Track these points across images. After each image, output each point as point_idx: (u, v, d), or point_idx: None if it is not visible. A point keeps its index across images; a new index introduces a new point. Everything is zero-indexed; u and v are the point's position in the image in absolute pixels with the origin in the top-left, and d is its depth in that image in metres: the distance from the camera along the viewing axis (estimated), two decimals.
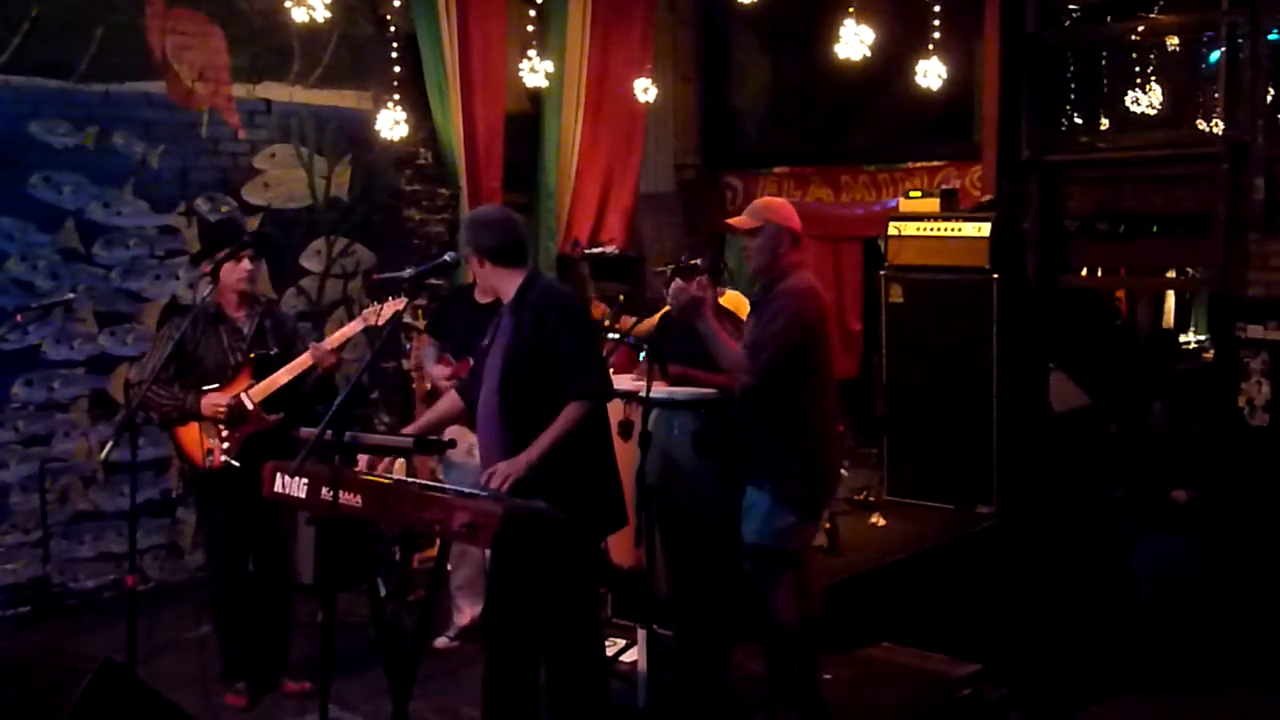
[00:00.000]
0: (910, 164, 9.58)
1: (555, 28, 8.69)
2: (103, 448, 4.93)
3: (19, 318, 6.38)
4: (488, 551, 4.85)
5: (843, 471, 8.12)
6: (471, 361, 4.81)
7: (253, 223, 7.47)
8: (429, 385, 6.32)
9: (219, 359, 5.31)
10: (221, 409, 5.18)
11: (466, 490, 4.17)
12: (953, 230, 7.92)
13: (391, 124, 7.59)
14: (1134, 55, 8.59)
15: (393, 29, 7.90)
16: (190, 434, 5.28)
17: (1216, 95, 7.89)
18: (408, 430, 4.70)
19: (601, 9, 8.88)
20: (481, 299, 5.72)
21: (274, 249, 7.38)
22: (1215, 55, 7.95)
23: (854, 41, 6.29)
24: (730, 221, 5.04)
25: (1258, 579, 6.98)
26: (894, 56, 7.86)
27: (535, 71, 7.71)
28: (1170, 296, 11.34)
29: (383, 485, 4.16)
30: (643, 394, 4.94)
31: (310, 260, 7.82)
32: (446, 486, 4.29)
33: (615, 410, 5.14)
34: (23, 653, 4.08)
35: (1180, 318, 11.62)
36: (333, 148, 7.88)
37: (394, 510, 4.10)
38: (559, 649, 4.44)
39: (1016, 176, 8.55)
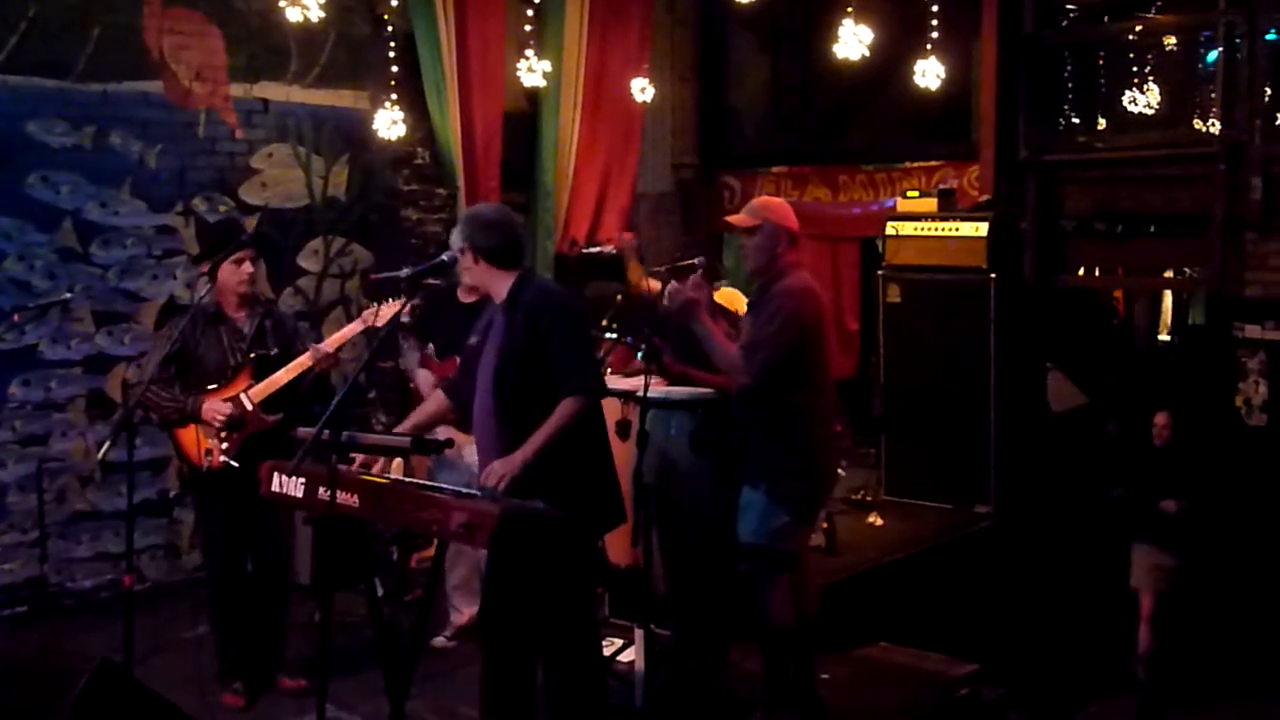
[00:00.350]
0: (908, 164, 9.58)
1: (553, 27, 8.69)
2: (100, 448, 4.93)
3: (16, 317, 6.40)
4: (483, 551, 4.86)
5: (840, 471, 8.14)
6: (458, 360, 4.81)
7: (251, 222, 7.46)
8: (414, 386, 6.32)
9: (219, 359, 5.30)
10: (221, 416, 5.17)
11: (464, 490, 4.18)
12: (950, 230, 7.93)
13: (389, 123, 7.59)
14: (1131, 55, 8.59)
15: (390, 28, 7.89)
16: (189, 434, 5.28)
17: (1214, 95, 7.89)
18: (398, 431, 4.70)
19: (599, 9, 8.87)
20: (465, 298, 5.72)
21: (273, 249, 7.38)
22: (1213, 55, 7.95)
23: (852, 41, 6.29)
24: (729, 219, 5.05)
25: (1247, 594, 6.98)
26: (892, 56, 7.86)
27: (533, 71, 7.71)
28: (1168, 296, 11.34)
29: (380, 485, 4.16)
30: (640, 393, 4.94)
31: (308, 260, 7.82)
32: (444, 486, 4.29)
33: (613, 410, 5.15)
34: (20, 653, 4.08)
35: (1177, 318, 11.61)
36: (330, 147, 7.88)
37: (391, 510, 4.10)
38: (556, 648, 4.44)
39: (1014, 176, 8.56)
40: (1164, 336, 11.31)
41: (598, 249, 8.86)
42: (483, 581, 4.89)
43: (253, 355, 5.32)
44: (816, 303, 4.85)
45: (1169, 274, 9.88)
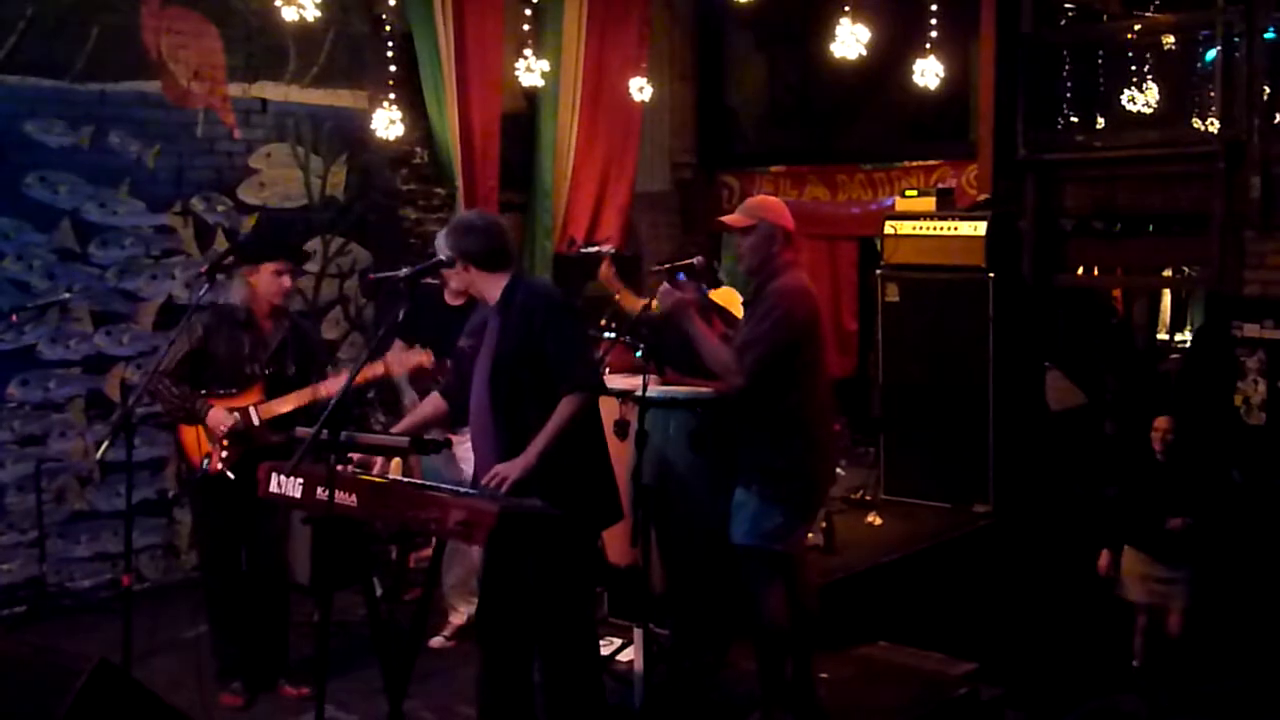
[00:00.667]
0: (906, 163, 9.58)
1: (551, 27, 8.69)
2: (99, 447, 4.92)
3: (14, 317, 6.40)
4: (479, 551, 4.86)
5: (839, 471, 8.18)
6: (449, 363, 4.81)
7: (249, 222, 7.46)
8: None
9: (236, 364, 5.27)
10: (225, 426, 5.15)
11: (462, 489, 4.18)
12: (949, 229, 7.94)
13: (387, 123, 7.58)
14: (1130, 54, 8.60)
15: (388, 28, 7.88)
16: (192, 434, 5.27)
17: (1212, 94, 7.90)
18: (394, 431, 4.70)
19: (597, 8, 8.87)
20: (453, 301, 5.72)
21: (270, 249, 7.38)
22: (1211, 54, 7.96)
23: (850, 41, 6.29)
24: (723, 219, 5.03)
25: (1247, 593, 6.96)
26: (890, 56, 7.87)
27: (531, 71, 7.71)
28: (1167, 295, 11.35)
29: (378, 485, 4.17)
30: (639, 393, 4.94)
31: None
32: (442, 485, 4.29)
33: (611, 409, 5.15)
34: (18, 652, 4.07)
35: (1176, 317, 11.63)
36: (329, 147, 7.88)
37: (389, 510, 4.11)
38: (554, 647, 4.44)
39: (1013, 175, 8.57)
40: (1162, 335, 11.33)
41: (596, 248, 8.84)
42: (479, 581, 4.90)
43: (269, 371, 5.29)
44: (811, 302, 4.83)
45: (1168, 273, 9.90)
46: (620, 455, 4.84)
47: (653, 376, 5.21)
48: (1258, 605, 6.94)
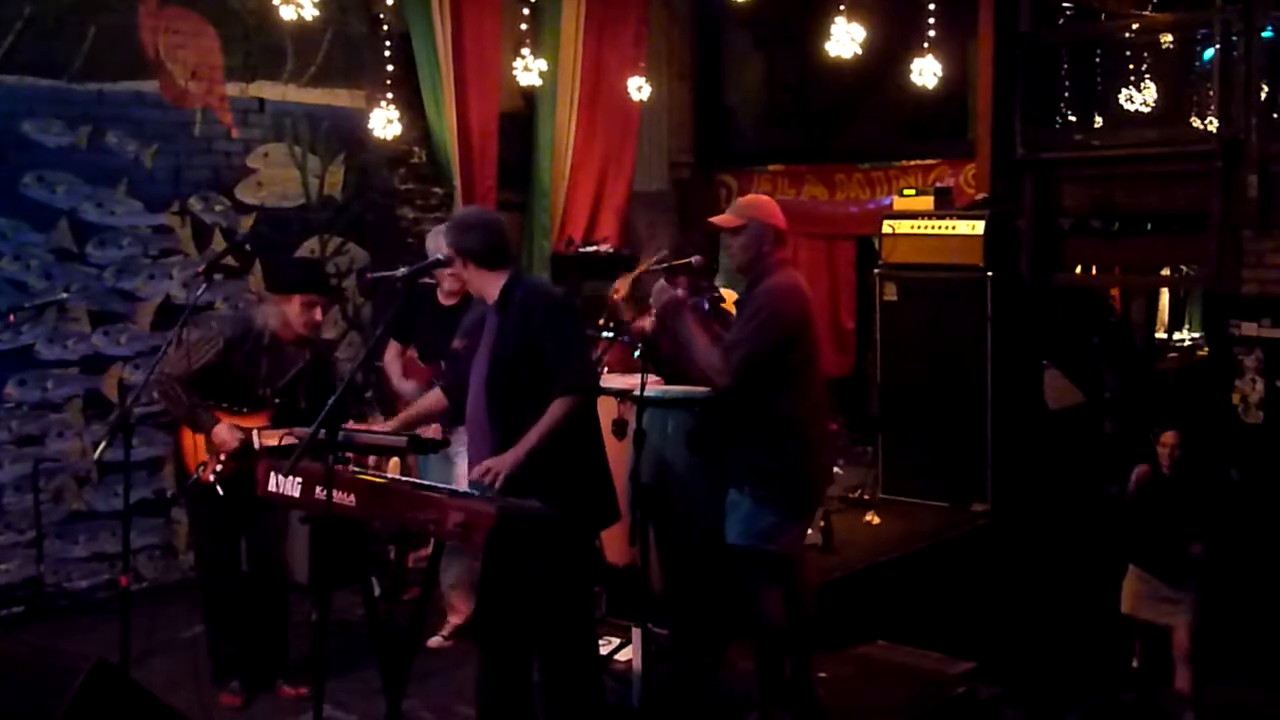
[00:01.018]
0: (905, 162, 9.59)
1: (549, 26, 8.69)
2: (96, 447, 4.91)
3: (12, 317, 6.38)
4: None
5: (837, 470, 8.18)
6: (443, 364, 4.81)
7: (246, 222, 7.46)
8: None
9: (249, 383, 5.23)
10: (230, 446, 5.12)
11: (460, 490, 4.17)
12: (947, 228, 7.94)
13: (385, 123, 7.58)
14: (1128, 53, 8.61)
15: (386, 28, 7.88)
16: (191, 440, 5.26)
17: (1210, 93, 7.91)
18: (388, 426, 4.69)
19: (595, 8, 8.88)
20: (446, 301, 5.71)
21: (268, 249, 7.38)
22: (1209, 53, 7.97)
23: (844, 39, 6.28)
24: (713, 220, 5.00)
25: (1246, 592, 6.93)
26: (888, 55, 7.87)
27: (529, 70, 7.71)
28: (1165, 294, 11.36)
29: (376, 484, 4.16)
30: (637, 392, 4.93)
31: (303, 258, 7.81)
32: (440, 486, 4.29)
33: (609, 409, 5.15)
34: (16, 653, 4.06)
35: (1174, 316, 11.64)
36: (326, 147, 7.87)
37: (388, 510, 4.10)
38: (552, 647, 4.44)
39: (1011, 174, 8.57)
40: (1161, 334, 11.34)
41: (594, 248, 8.86)
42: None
43: (280, 400, 5.26)
44: (801, 301, 4.79)
45: (1166, 272, 9.91)
46: (618, 454, 4.84)
47: (651, 376, 5.20)
48: (1258, 604, 6.95)
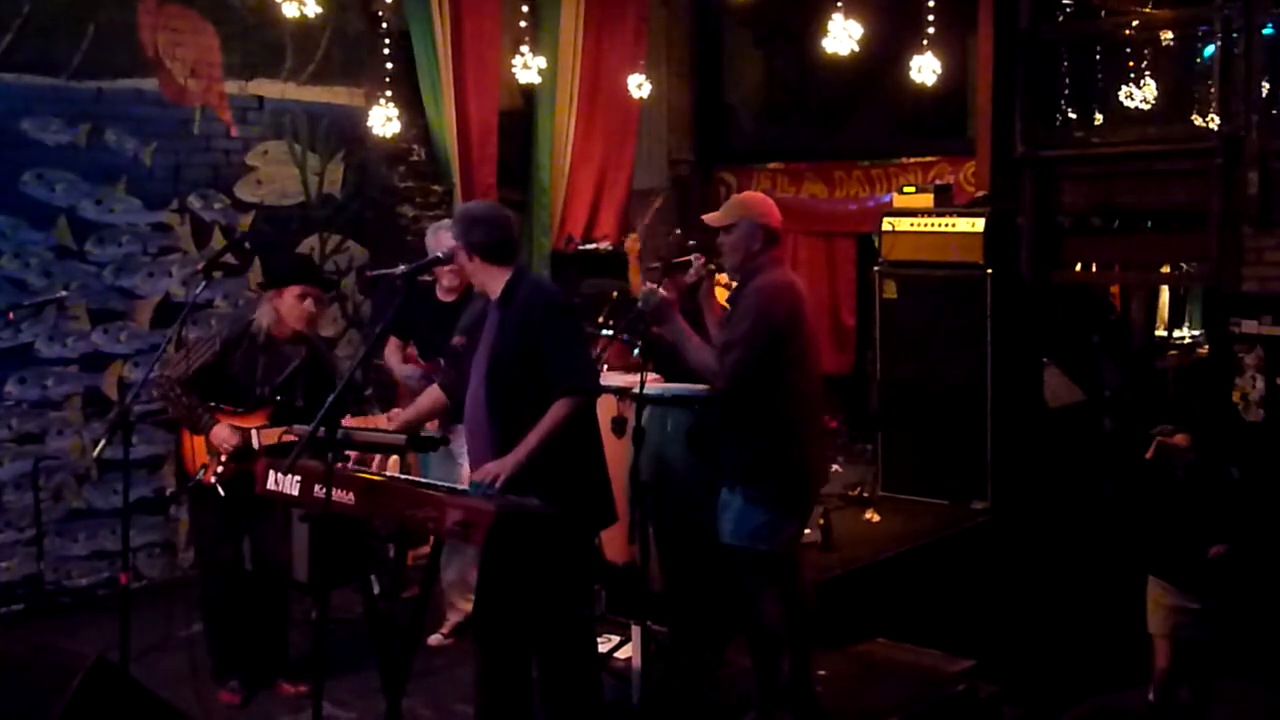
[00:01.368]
0: (904, 159, 9.58)
1: (548, 24, 8.69)
2: (96, 445, 4.91)
3: (11, 315, 6.39)
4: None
5: (836, 468, 8.17)
6: (443, 362, 4.80)
7: (246, 220, 7.45)
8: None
9: (247, 383, 5.24)
10: (228, 446, 5.13)
11: (460, 488, 4.17)
12: (947, 226, 7.94)
13: (384, 120, 7.57)
14: (1128, 50, 8.60)
15: (385, 25, 7.88)
16: (196, 442, 5.27)
17: (1211, 90, 7.89)
18: (393, 424, 4.69)
19: (594, 5, 8.87)
20: (445, 298, 5.71)
21: (267, 247, 7.38)
22: (1210, 50, 7.95)
23: (842, 36, 6.27)
24: (705, 218, 4.97)
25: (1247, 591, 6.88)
26: (888, 52, 7.86)
27: (528, 68, 7.70)
28: (1165, 292, 11.34)
29: (375, 482, 4.16)
30: (636, 390, 4.93)
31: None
32: (439, 484, 4.28)
33: (609, 407, 5.15)
34: (15, 651, 4.07)
35: (1174, 313, 11.63)
36: (325, 144, 7.87)
37: (387, 508, 4.10)
38: (551, 645, 4.44)
39: (1011, 172, 8.56)
40: (1161, 332, 11.32)
41: (594, 246, 8.86)
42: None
43: (279, 398, 5.27)
44: (792, 299, 4.75)
45: (1166, 269, 9.89)
46: (618, 452, 4.84)
47: (650, 373, 5.20)
48: (1260, 603, 6.94)
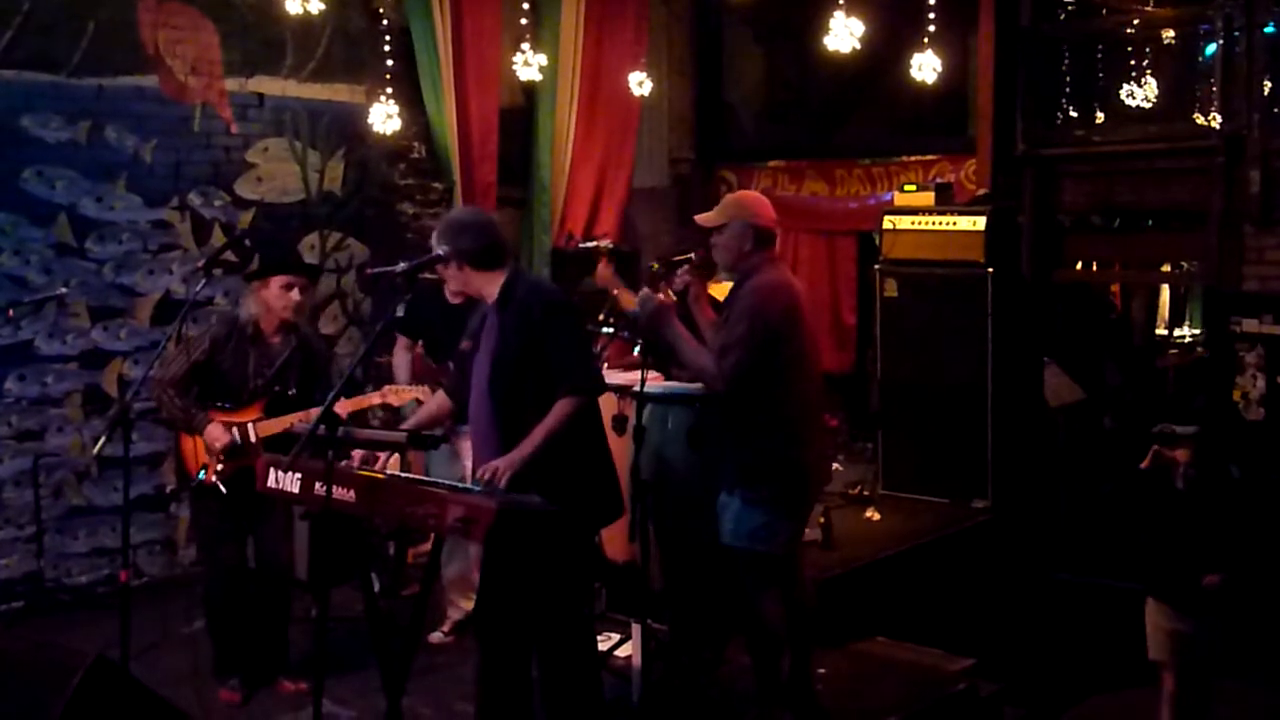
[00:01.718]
0: (905, 158, 9.58)
1: (549, 21, 8.68)
2: (96, 442, 4.92)
3: (11, 313, 6.38)
4: (477, 546, 4.85)
5: (836, 466, 8.17)
6: (451, 364, 4.80)
7: (246, 217, 7.45)
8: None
9: (239, 379, 5.25)
10: (221, 443, 5.14)
11: (460, 485, 4.17)
12: (948, 224, 7.93)
13: (385, 118, 7.57)
14: (1129, 48, 8.59)
15: (386, 23, 7.88)
16: (191, 442, 5.27)
17: (1212, 88, 7.88)
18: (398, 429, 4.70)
19: (595, 3, 8.87)
20: (454, 299, 5.70)
21: (267, 244, 7.38)
22: (1211, 48, 7.94)
23: (843, 34, 6.27)
24: (697, 218, 4.93)
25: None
26: (888, 50, 7.86)
27: (529, 65, 7.70)
28: (1165, 291, 11.34)
29: (376, 480, 4.16)
30: (637, 388, 4.93)
31: (303, 255, 7.79)
32: (440, 481, 4.28)
33: (609, 405, 5.14)
34: (15, 648, 4.07)
35: (1175, 312, 11.62)
36: (326, 142, 7.86)
37: (388, 505, 4.10)
38: (551, 643, 4.44)
39: (1011, 170, 8.55)
40: (1161, 331, 11.32)
41: (594, 244, 8.85)
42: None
43: (275, 389, 5.27)
44: (787, 298, 4.71)
45: (1166, 268, 9.89)
46: (619, 451, 4.83)
47: (651, 372, 5.20)
48: (1261, 601, 6.94)
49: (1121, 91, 8.57)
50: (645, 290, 4.84)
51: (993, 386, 7.71)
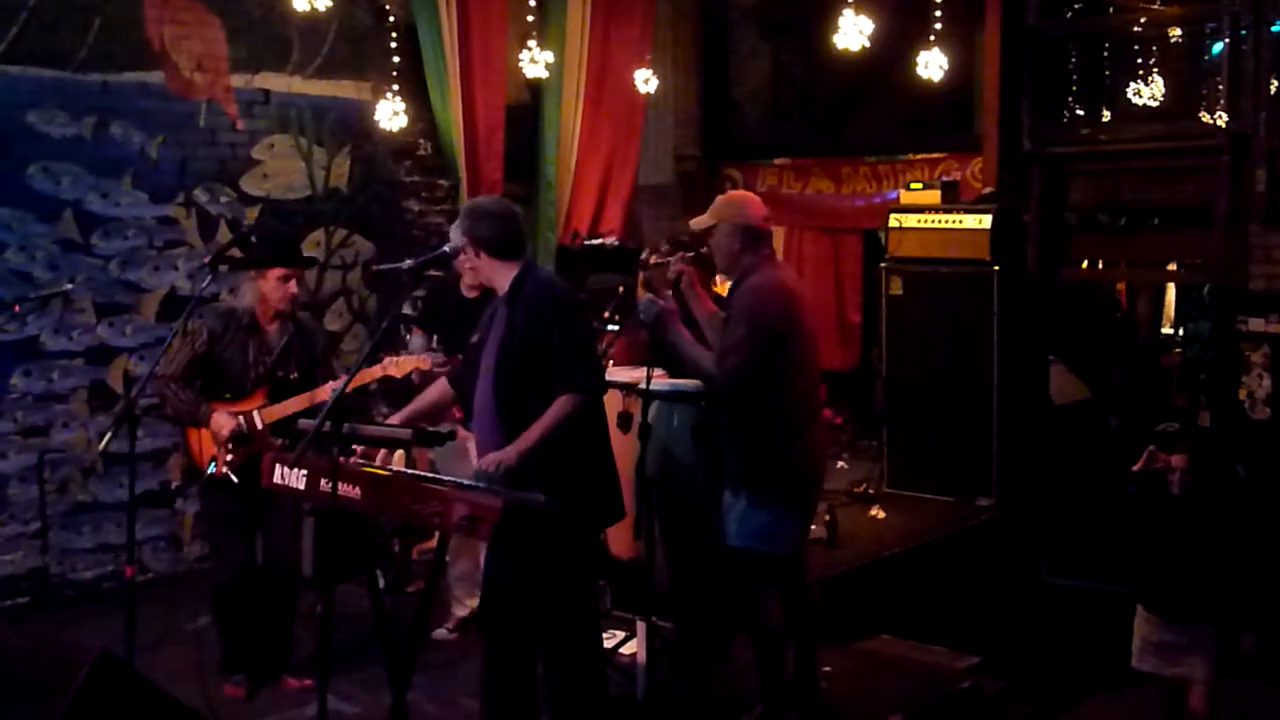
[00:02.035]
0: (911, 156, 9.58)
1: (555, 18, 8.67)
2: (101, 438, 4.92)
3: (17, 308, 6.39)
4: (484, 543, 4.85)
5: (841, 464, 8.17)
6: (461, 357, 4.80)
7: (252, 213, 7.45)
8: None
9: (241, 369, 5.28)
10: (226, 431, 5.16)
11: (465, 482, 4.17)
12: (953, 222, 7.92)
13: (390, 115, 7.58)
14: (1136, 47, 8.58)
15: (392, 19, 7.88)
16: (201, 435, 5.28)
17: (1219, 87, 7.86)
18: (395, 419, 4.69)
19: (601, 1, 8.85)
20: (469, 293, 5.71)
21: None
22: (1218, 47, 7.93)
23: (853, 32, 6.26)
24: (690, 222, 4.92)
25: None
26: (895, 48, 7.85)
27: (535, 62, 7.69)
28: (1171, 290, 11.32)
29: (381, 477, 4.15)
30: (642, 386, 4.92)
31: (309, 251, 7.76)
32: (445, 478, 4.28)
33: (615, 402, 5.14)
34: (20, 644, 4.06)
35: (1180, 311, 11.61)
36: (332, 138, 7.87)
37: (393, 502, 4.09)
38: (556, 641, 4.44)
39: (1018, 168, 8.54)
40: (1167, 329, 11.30)
41: (600, 241, 8.85)
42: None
43: (274, 375, 5.30)
44: (786, 297, 4.68)
45: (1172, 267, 9.87)
46: (624, 448, 4.83)
47: (656, 369, 5.20)
48: (1260, 599, 6.92)
49: (1128, 90, 8.57)
50: (648, 296, 4.81)
51: (998, 385, 7.70)
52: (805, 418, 4.77)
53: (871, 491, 7.73)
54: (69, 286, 6.59)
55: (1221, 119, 7.79)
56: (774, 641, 4.83)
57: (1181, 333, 10.88)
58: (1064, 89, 8.60)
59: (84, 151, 6.80)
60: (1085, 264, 9.24)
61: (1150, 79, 8.53)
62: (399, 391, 7.49)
